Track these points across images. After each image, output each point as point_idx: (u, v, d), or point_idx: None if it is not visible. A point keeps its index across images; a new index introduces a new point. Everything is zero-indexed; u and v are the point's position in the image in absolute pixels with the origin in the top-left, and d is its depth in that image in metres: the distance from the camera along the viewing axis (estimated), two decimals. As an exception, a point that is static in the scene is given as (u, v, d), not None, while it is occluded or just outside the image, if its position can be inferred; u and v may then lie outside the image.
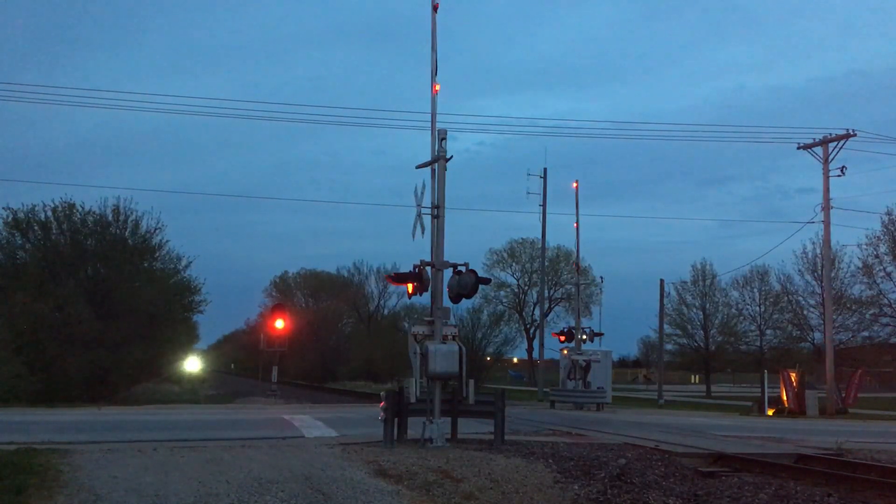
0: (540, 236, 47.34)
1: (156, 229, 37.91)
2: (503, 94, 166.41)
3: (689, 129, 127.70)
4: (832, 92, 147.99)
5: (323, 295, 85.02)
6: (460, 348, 15.33)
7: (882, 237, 44.92)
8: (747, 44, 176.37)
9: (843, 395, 35.17)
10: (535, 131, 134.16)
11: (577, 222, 31.21)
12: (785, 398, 33.43)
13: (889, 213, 44.45)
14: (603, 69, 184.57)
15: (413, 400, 15.09)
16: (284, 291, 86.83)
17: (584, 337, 34.82)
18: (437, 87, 16.20)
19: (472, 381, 15.65)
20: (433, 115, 16.13)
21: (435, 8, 16.52)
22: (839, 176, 34.46)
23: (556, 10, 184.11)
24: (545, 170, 42.79)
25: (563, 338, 35.59)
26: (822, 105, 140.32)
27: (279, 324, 37.17)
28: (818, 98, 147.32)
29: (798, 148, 35.58)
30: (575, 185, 30.98)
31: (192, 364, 50.00)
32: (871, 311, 48.10)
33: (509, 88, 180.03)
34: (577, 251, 34.57)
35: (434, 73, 16.30)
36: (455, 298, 15.88)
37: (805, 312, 53.68)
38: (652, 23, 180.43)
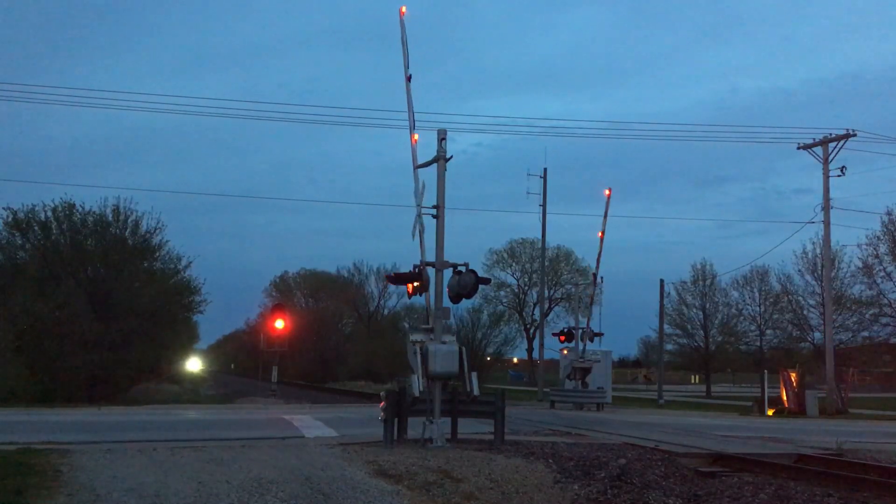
0: (540, 236, 47.32)
1: (156, 229, 37.92)
2: (500, 96, 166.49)
3: (685, 130, 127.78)
4: (826, 94, 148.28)
5: (323, 295, 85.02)
6: (460, 348, 15.36)
7: (882, 237, 44.88)
8: (741, 46, 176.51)
9: (844, 395, 35.16)
10: (533, 132, 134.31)
11: (603, 231, 28.91)
12: (785, 398, 33.41)
13: (889, 213, 44.42)
14: (598, 71, 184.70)
15: (416, 393, 14.93)
16: (284, 291, 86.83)
17: (590, 335, 34.54)
18: (416, 138, 15.96)
19: (474, 374, 15.59)
20: (414, 159, 15.91)
21: (402, 14, 16.03)
22: (839, 176, 34.48)
23: (552, 13, 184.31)
24: (545, 170, 42.75)
25: (563, 338, 35.59)
26: (816, 106, 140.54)
27: (279, 324, 37.20)
28: (812, 100, 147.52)
29: (798, 148, 35.59)
30: (607, 192, 28.58)
31: (194, 364, 50.04)
32: (871, 311, 48.04)
33: (506, 90, 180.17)
34: (598, 260, 30.83)
35: (412, 127, 15.83)
36: (455, 298, 15.88)
37: (805, 312, 53.62)
38: (646, 25, 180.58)
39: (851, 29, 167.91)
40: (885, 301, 46.30)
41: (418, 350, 15.14)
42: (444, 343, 15.30)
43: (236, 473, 11.03)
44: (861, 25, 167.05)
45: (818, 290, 48.55)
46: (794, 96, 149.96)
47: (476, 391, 15.44)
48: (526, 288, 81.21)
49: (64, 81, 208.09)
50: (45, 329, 31.60)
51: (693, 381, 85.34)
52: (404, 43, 15.92)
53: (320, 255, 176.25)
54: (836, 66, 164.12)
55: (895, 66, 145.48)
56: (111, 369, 33.06)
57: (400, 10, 16.04)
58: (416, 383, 14.93)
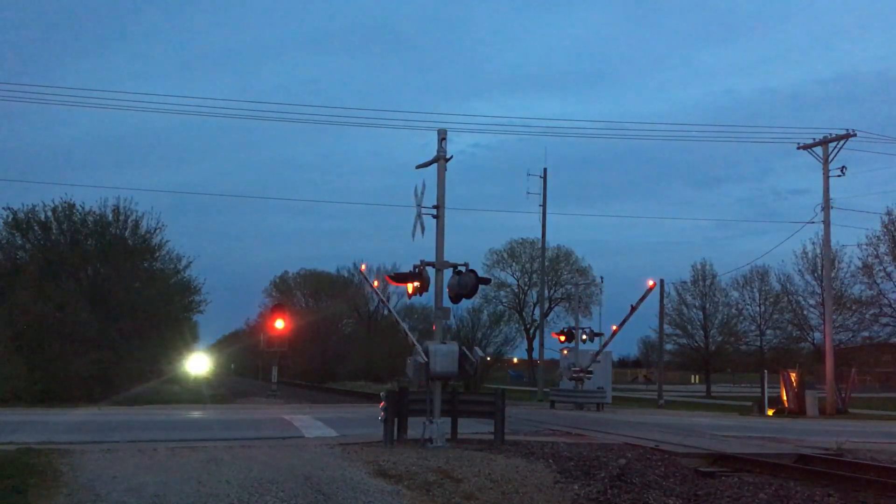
0: (540, 236, 47.29)
1: (156, 229, 37.97)
2: (499, 96, 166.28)
3: (684, 131, 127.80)
4: (821, 95, 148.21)
5: (323, 295, 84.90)
6: (460, 347, 15.41)
7: (882, 237, 44.91)
8: (738, 47, 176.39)
9: (844, 395, 35.15)
10: (532, 132, 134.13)
11: (634, 307, 29.20)
12: (785, 398, 33.41)
13: (889, 213, 44.46)
14: (597, 71, 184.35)
15: (422, 361, 14.94)
16: (284, 291, 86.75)
17: (590, 335, 34.54)
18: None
19: (476, 348, 15.81)
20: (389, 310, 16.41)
21: (363, 270, 16.89)
22: (839, 176, 34.47)
23: (551, 14, 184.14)
24: (545, 170, 42.76)
25: (562, 338, 35.60)
26: (811, 108, 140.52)
27: (279, 324, 37.13)
28: (807, 101, 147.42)
29: (798, 148, 35.59)
30: (651, 284, 29.15)
31: (197, 364, 49.57)
32: (871, 311, 47.99)
33: (505, 90, 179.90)
34: (622, 323, 30.51)
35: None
36: (455, 298, 15.93)
37: (805, 312, 53.60)
38: (644, 26, 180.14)
39: (848, 30, 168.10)
40: (885, 301, 46.31)
41: (419, 348, 15.20)
42: (443, 343, 15.34)
43: (236, 473, 11.04)
44: (857, 27, 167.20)
45: (818, 290, 48.55)
46: (790, 97, 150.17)
47: (479, 354, 15.59)
48: (526, 288, 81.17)
49: (63, 81, 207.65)
50: (45, 329, 31.59)
51: (693, 381, 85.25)
52: (375, 291, 16.73)
53: (320, 255, 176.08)
54: (832, 67, 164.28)
55: (891, 68, 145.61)
56: (111, 369, 33.03)
57: (361, 268, 17.14)
58: (420, 356, 14.93)
